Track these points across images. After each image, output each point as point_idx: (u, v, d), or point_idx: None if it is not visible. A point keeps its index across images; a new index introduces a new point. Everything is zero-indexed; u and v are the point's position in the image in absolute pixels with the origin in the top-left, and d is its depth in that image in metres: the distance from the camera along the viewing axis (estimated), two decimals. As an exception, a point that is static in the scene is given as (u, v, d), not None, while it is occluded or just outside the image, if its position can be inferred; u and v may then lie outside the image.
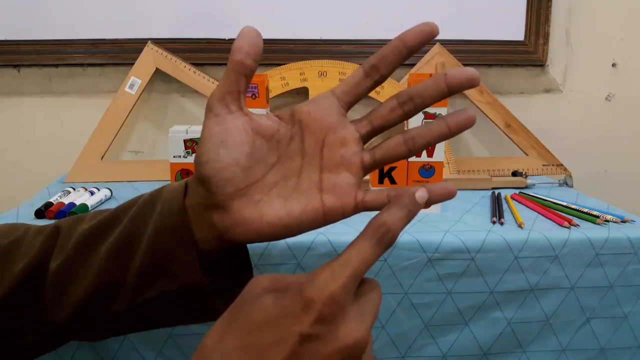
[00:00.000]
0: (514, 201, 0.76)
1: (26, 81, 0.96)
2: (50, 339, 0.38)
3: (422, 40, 0.31)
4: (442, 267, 0.59)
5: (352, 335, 0.25)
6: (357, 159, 0.32)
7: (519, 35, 0.98)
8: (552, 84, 1.02)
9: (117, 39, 0.94)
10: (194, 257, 0.33)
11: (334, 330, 0.25)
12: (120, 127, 0.91)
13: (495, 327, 0.61)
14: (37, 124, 0.98)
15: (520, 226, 0.63)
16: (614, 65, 1.03)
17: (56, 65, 0.95)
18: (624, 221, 0.65)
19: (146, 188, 0.82)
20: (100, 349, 0.57)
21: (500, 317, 0.60)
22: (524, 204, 0.75)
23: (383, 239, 0.26)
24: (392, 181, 0.69)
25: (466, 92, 0.95)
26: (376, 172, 0.68)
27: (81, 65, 0.95)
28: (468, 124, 0.31)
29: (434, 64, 0.94)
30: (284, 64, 0.91)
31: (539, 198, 0.76)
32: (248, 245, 0.38)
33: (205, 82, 0.92)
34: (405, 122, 0.65)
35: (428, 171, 0.69)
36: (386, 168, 0.68)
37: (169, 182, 0.70)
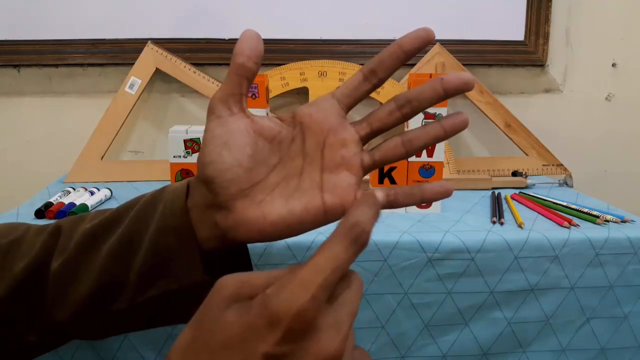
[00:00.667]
0: (514, 201, 0.76)
1: (26, 81, 0.96)
2: (51, 338, 0.38)
3: (419, 45, 0.32)
4: (442, 267, 0.59)
5: (323, 351, 0.23)
6: (357, 160, 0.33)
7: (519, 35, 0.98)
8: (552, 84, 1.02)
9: (117, 39, 0.94)
10: (195, 257, 0.34)
11: (304, 347, 0.23)
12: (120, 127, 0.91)
13: (495, 327, 0.61)
14: (37, 124, 0.98)
15: (520, 226, 0.63)
16: (614, 65, 1.03)
17: (56, 65, 0.95)
18: (624, 221, 0.65)
19: (146, 188, 0.83)
20: (100, 349, 0.57)
21: (500, 317, 0.60)
22: (524, 204, 0.75)
23: (358, 239, 0.23)
24: (392, 181, 0.69)
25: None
26: (376, 172, 0.68)
27: (81, 65, 0.95)
28: (462, 127, 0.33)
29: (434, 64, 0.94)
30: (284, 64, 0.91)
31: (539, 198, 0.76)
32: (248, 246, 0.38)
33: (205, 82, 0.92)
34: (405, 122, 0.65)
35: (428, 171, 0.69)
36: (386, 168, 0.68)
37: (169, 182, 0.70)
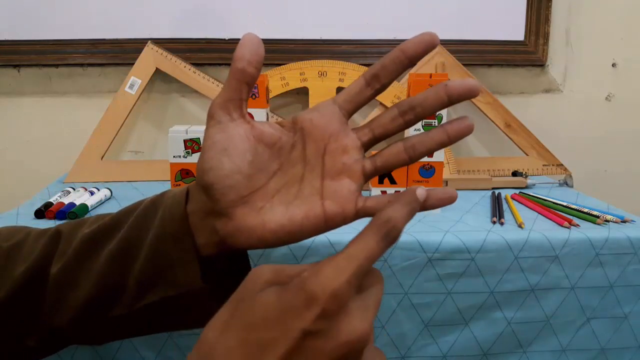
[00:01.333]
0: (514, 201, 0.76)
1: (26, 81, 0.96)
2: (50, 343, 0.38)
3: (423, 51, 0.31)
4: (442, 267, 0.59)
5: (354, 331, 0.25)
6: (359, 166, 0.33)
7: (519, 35, 0.98)
8: (552, 84, 1.02)
9: (117, 39, 0.94)
10: (194, 264, 0.33)
11: (337, 326, 0.25)
12: (120, 127, 0.91)
13: (495, 327, 0.61)
14: (37, 124, 0.98)
15: (520, 226, 0.63)
16: (614, 65, 1.03)
17: (56, 65, 0.95)
18: (624, 221, 0.65)
19: (146, 188, 0.83)
20: (100, 349, 0.57)
21: (500, 317, 0.60)
22: (524, 204, 0.75)
23: (389, 234, 0.26)
24: (392, 181, 0.69)
25: (466, 92, 0.95)
26: (376, 172, 0.68)
27: (81, 65, 0.95)
28: (467, 132, 0.32)
29: (433, 64, 0.94)
30: (284, 64, 0.91)
31: (539, 198, 0.76)
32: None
33: (205, 82, 0.92)
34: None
35: (428, 171, 0.69)
36: (386, 168, 0.68)
37: (169, 182, 0.70)
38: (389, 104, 0.90)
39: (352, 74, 0.90)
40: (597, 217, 0.65)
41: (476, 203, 0.75)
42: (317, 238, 0.57)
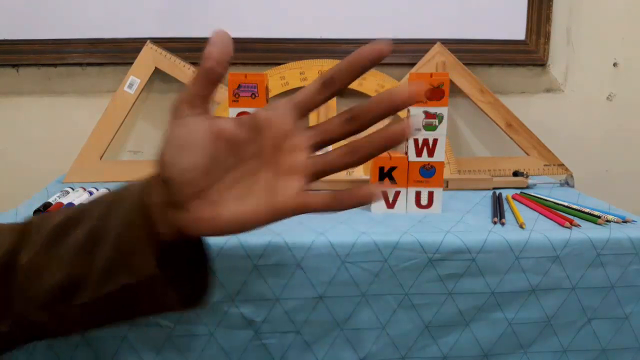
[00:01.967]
0: (515, 201, 0.76)
1: (25, 81, 0.96)
2: (21, 331, 0.39)
3: (377, 57, 0.32)
4: (443, 267, 0.58)
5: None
6: (303, 166, 0.34)
7: (520, 35, 0.98)
8: (553, 84, 1.02)
9: (116, 39, 0.94)
10: (151, 252, 0.35)
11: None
12: (119, 127, 0.91)
13: (496, 327, 0.60)
14: (35, 123, 0.98)
15: (521, 226, 0.63)
16: (615, 64, 1.02)
17: (55, 65, 0.95)
18: (625, 221, 0.65)
19: (145, 188, 0.83)
20: (99, 349, 0.57)
21: (501, 317, 0.60)
22: (525, 204, 0.74)
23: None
24: (392, 180, 0.69)
25: (467, 91, 0.95)
26: (376, 172, 0.68)
27: (80, 64, 0.95)
28: (401, 138, 0.33)
29: (434, 64, 0.94)
30: (283, 63, 0.91)
31: (540, 198, 0.76)
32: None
33: (204, 81, 0.92)
34: (407, 114, 0.65)
35: (429, 171, 0.69)
36: (387, 168, 0.68)
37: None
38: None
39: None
40: (599, 217, 0.65)
41: (477, 203, 0.75)
42: (317, 238, 0.57)
